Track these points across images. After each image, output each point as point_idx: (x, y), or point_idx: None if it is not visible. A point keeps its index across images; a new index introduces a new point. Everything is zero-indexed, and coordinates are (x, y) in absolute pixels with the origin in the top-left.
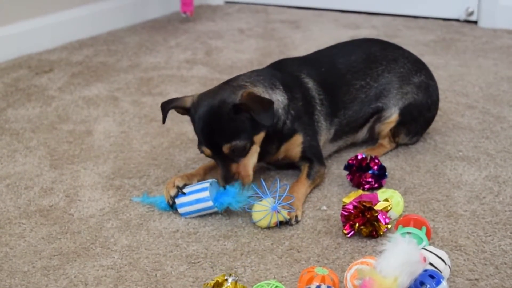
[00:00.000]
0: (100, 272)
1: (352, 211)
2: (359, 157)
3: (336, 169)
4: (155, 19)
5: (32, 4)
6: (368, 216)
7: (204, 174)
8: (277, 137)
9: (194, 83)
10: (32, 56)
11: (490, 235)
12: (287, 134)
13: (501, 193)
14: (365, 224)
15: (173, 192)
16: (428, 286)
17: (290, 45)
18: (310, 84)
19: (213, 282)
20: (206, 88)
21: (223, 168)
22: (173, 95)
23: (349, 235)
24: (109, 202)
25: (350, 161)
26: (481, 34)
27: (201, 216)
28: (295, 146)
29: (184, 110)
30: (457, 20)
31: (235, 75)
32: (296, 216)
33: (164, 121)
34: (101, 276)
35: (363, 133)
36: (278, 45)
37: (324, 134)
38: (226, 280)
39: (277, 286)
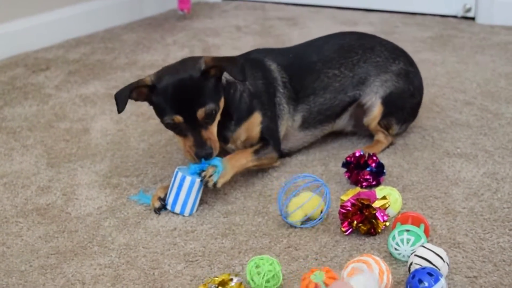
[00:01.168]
0: (97, 271)
1: (350, 209)
2: (357, 154)
3: (334, 167)
4: (152, 16)
5: (29, 2)
6: (366, 213)
7: None
8: (235, 112)
9: None
10: (28, 54)
11: (489, 232)
12: (246, 111)
13: (499, 190)
14: (363, 222)
15: (157, 204)
16: (427, 283)
17: (287, 42)
18: (273, 66)
19: (218, 279)
20: None
21: (195, 135)
22: None
23: (347, 233)
24: (106, 200)
25: (348, 159)
26: (479, 30)
27: (198, 214)
28: (254, 125)
29: (146, 88)
30: (455, 17)
31: None
32: (215, 183)
33: (122, 109)
34: (98, 275)
35: (343, 121)
36: (275, 42)
37: (287, 119)
38: (231, 279)
39: (271, 262)
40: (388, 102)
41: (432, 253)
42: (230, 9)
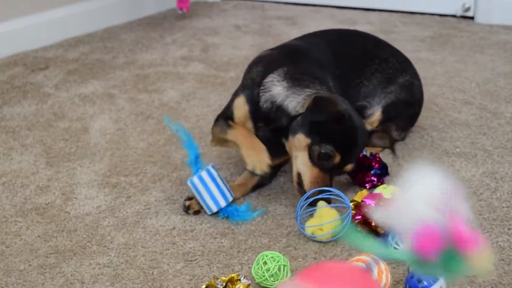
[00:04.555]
0: (96, 270)
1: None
2: (360, 155)
3: None
4: (151, 15)
5: (28, 1)
6: None
7: None
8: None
9: (190, 80)
10: (27, 53)
11: (488, 232)
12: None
13: (498, 189)
14: None
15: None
16: (426, 283)
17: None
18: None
19: (226, 278)
20: (203, 85)
21: (327, 179)
22: (170, 92)
23: None
24: (105, 200)
25: None
26: (478, 30)
27: (198, 214)
28: None
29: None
30: (454, 16)
31: (231, 72)
32: None
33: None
34: (97, 274)
35: None
36: (274, 42)
37: None
38: (240, 280)
39: (279, 259)
40: (388, 110)
41: None
42: (229, 8)
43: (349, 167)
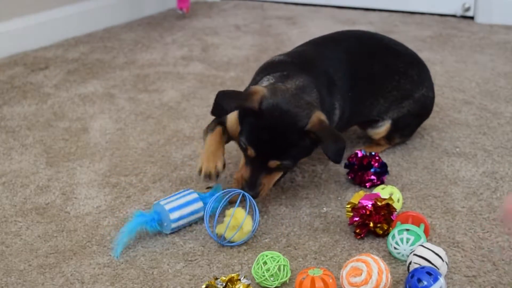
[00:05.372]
0: (96, 270)
1: (372, 210)
2: (359, 155)
3: (333, 166)
4: (151, 15)
5: (28, 1)
6: (382, 213)
7: (223, 147)
8: None
9: (190, 79)
10: (27, 53)
11: (488, 232)
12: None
13: (498, 189)
14: (381, 223)
15: (214, 172)
16: (426, 283)
17: (287, 42)
18: (336, 105)
19: (226, 278)
20: (203, 84)
21: (253, 173)
22: (170, 92)
23: (362, 235)
24: (105, 199)
25: (351, 159)
26: (478, 29)
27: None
28: None
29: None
30: (454, 16)
31: (231, 72)
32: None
33: (218, 115)
34: (97, 274)
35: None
36: (274, 42)
37: None
38: (240, 280)
39: (279, 259)
40: (397, 123)
41: (431, 252)
42: (229, 8)
43: (272, 163)
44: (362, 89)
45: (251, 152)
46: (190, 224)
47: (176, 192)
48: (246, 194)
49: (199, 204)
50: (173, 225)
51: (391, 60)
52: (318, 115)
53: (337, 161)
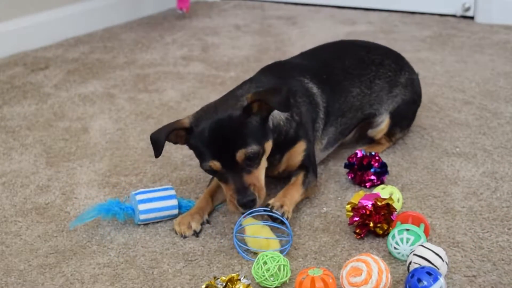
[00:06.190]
0: (96, 270)
1: (371, 210)
2: (359, 155)
3: (333, 166)
4: (151, 15)
5: (28, 1)
6: (382, 213)
7: (212, 201)
8: (280, 147)
9: (190, 79)
10: (27, 53)
11: (488, 232)
12: (291, 141)
13: (498, 189)
14: (381, 223)
15: (189, 233)
16: (426, 283)
17: (287, 42)
18: (315, 89)
19: (226, 278)
20: (203, 84)
21: (236, 180)
22: (170, 91)
23: (362, 235)
24: (105, 199)
25: (351, 159)
26: (478, 29)
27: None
28: (297, 154)
29: (184, 131)
30: (454, 16)
31: (231, 72)
32: (287, 217)
33: (159, 155)
34: (97, 274)
35: (351, 136)
36: (274, 42)
37: (317, 144)
38: (240, 280)
39: (279, 259)
40: (395, 115)
41: (431, 252)
42: (229, 8)
43: (239, 156)
44: (340, 82)
45: (215, 164)
46: (164, 221)
47: (157, 188)
48: (271, 213)
49: (173, 202)
50: (142, 217)
51: (363, 54)
52: (253, 93)
53: (286, 109)
